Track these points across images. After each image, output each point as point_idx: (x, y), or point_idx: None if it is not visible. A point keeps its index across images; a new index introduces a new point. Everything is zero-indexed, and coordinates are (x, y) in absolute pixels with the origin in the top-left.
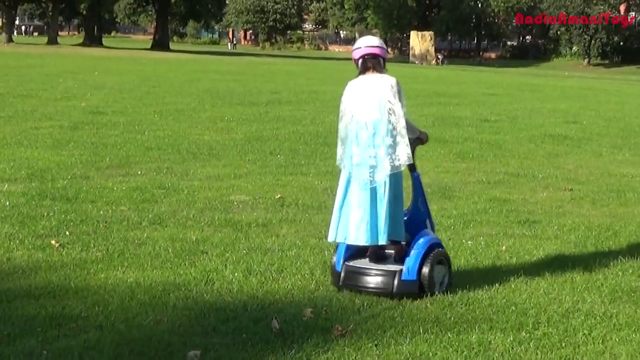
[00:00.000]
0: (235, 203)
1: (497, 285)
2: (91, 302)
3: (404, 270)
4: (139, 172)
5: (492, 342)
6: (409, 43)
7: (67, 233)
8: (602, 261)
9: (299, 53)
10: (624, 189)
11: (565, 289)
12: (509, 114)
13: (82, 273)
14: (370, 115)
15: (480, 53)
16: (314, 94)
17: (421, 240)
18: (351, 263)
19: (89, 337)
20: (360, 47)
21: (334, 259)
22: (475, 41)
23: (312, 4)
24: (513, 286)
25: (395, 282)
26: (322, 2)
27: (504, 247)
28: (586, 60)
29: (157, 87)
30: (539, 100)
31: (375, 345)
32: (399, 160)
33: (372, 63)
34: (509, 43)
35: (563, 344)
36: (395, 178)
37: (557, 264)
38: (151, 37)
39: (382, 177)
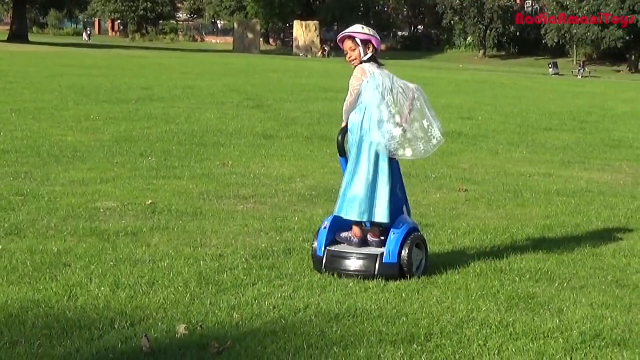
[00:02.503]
0: (102, 210)
1: (387, 295)
2: None
3: (385, 253)
4: None
5: (382, 356)
6: (292, 34)
7: None
8: (498, 266)
9: (172, 45)
10: (521, 189)
11: (459, 297)
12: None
13: None
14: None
15: None
16: (189, 90)
17: (401, 225)
18: (333, 248)
19: None
20: (375, 35)
21: (315, 244)
22: None
23: None
24: (404, 295)
25: (377, 265)
26: None
27: None
28: (482, 52)
29: (15, 82)
30: (432, 94)
31: None
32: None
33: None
34: (400, 34)
35: (457, 356)
36: (393, 161)
37: (451, 271)
38: (8, 27)
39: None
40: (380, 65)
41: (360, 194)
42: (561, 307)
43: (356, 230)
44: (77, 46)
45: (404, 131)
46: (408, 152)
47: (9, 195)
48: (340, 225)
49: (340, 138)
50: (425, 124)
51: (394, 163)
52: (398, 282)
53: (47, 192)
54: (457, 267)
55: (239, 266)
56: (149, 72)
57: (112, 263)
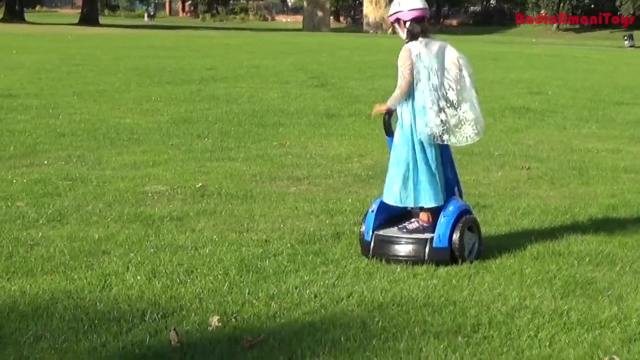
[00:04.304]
0: (150, 194)
1: (435, 281)
2: None
3: (435, 237)
4: (45, 162)
5: (423, 349)
6: (362, 11)
7: None
8: (556, 249)
9: (242, 25)
10: (587, 166)
11: (512, 283)
12: None
13: None
14: (452, 75)
15: (441, 20)
16: (253, 69)
17: (451, 207)
18: (381, 232)
19: None
20: (418, 8)
21: (363, 228)
22: (436, 7)
23: None
24: (454, 282)
25: (427, 249)
26: None
27: None
28: (555, 25)
29: (81, 65)
30: (501, 69)
31: (288, 358)
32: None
33: (426, 26)
34: (471, 8)
35: (504, 349)
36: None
37: (506, 254)
38: (79, 11)
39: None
40: (426, 37)
41: (401, 179)
42: (621, 293)
43: (422, 215)
44: (147, 28)
45: (447, 116)
46: (453, 139)
47: (58, 180)
48: (388, 208)
49: (387, 117)
50: (476, 104)
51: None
52: (449, 267)
53: (96, 176)
54: (513, 250)
55: (284, 252)
56: (216, 52)
57: (152, 250)
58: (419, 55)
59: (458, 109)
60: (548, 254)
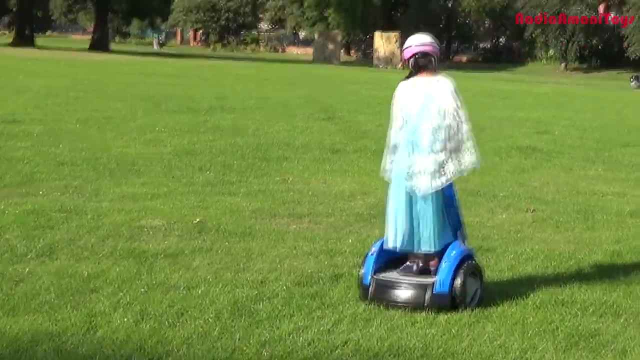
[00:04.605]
0: (146, 229)
1: (434, 330)
2: None
3: (436, 282)
4: (41, 192)
5: None
6: (372, 45)
7: None
8: (560, 298)
9: (253, 55)
10: (592, 210)
11: (514, 333)
12: (476, 124)
13: None
14: (431, 120)
15: (451, 56)
16: (262, 100)
17: (453, 252)
18: (380, 276)
19: None
20: (410, 46)
21: (362, 271)
22: (446, 44)
23: (268, 2)
24: (454, 331)
25: (427, 295)
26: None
27: None
28: (563, 65)
29: (88, 91)
30: (509, 108)
31: None
32: (463, 165)
33: (423, 62)
34: (481, 45)
35: None
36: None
37: (508, 302)
38: (90, 37)
39: (442, 183)
40: (426, 75)
41: (398, 221)
42: (625, 347)
43: (413, 257)
44: (158, 55)
45: (414, 162)
46: (416, 185)
47: (52, 212)
48: (388, 250)
49: None
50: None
51: (447, 187)
52: (449, 314)
53: (92, 209)
54: (516, 297)
55: (279, 294)
56: (225, 81)
57: (143, 289)
58: (402, 94)
59: (429, 156)
60: (551, 302)
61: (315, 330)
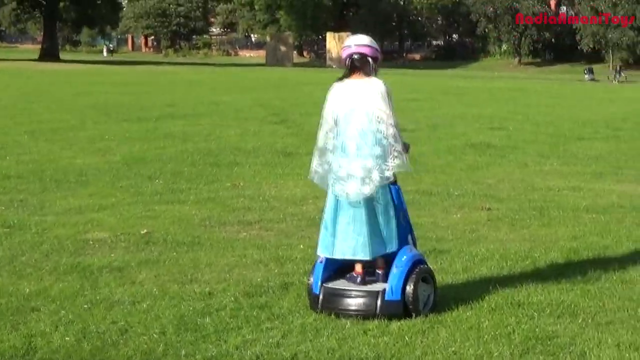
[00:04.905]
0: (91, 242)
1: (386, 338)
2: None
3: (387, 289)
4: None
5: None
6: (325, 46)
7: None
8: (515, 299)
9: (206, 60)
10: (548, 206)
11: (469, 338)
12: (429, 122)
13: None
14: (359, 123)
15: (404, 54)
16: (214, 106)
17: (404, 257)
18: (330, 284)
19: None
20: (349, 46)
21: (311, 280)
22: (399, 42)
23: (219, 6)
24: (406, 338)
25: (379, 302)
26: (230, 3)
27: None
28: (517, 59)
29: (37, 102)
30: (463, 104)
31: None
32: (388, 170)
33: (359, 63)
34: (434, 42)
35: None
36: (384, 189)
37: (463, 306)
38: (40, 46)
39: (372, 190)
40: (359, 76)
41: (328, 228)
42: (583, 349)
43: (357, 267)
44: (109, 63)
45: (339, 165)
46: (338, 189)
47: None
48: (336, 259)
49: None
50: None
51: (387, 192)
52: (402, 322)
53: (35, 223)
54: (470, 301)
55: (227, 306)
56: (177, 88)
57: (86, 306)
58: (333, 95)
59: (356, 160)
60: (507, 304)
61: (264, 342)
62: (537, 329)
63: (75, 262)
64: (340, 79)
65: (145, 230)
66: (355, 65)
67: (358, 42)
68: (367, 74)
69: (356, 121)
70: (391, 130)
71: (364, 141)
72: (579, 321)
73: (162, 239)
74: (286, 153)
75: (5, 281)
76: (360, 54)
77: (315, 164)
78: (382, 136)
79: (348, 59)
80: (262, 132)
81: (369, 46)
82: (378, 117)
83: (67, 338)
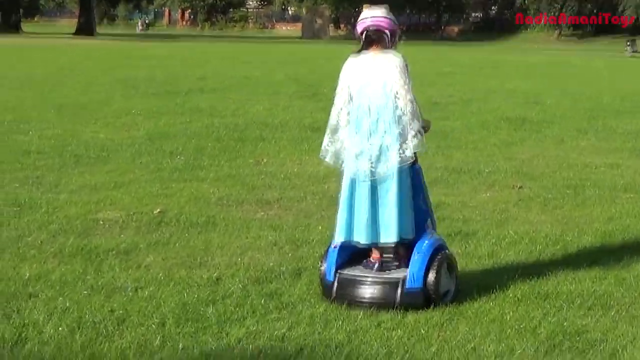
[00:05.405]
0: (101, 222)
1: (400, 332)
2: None
3: (408, 277)
4: None
5: None
6: None
7: None
8: (543, 289)
9: (242, 33)
10: (584, 184)
11: (490, 333)
12: (463, 96)
13: None
14: (374, 98)
15: (442, 28)
16: (245, 80)
17: (425, 243)
18: (345, 271)
19: None
20: (364, 19)
21: (324, 267)
22: (436, 15)
23: None
24: (422, 332)
25: (399, 291)
26: None
27: None
28: (557, 32)
29: (68, 77)
30: (499, 78)
31: None
32: (408, 150)
33: (375, 37)
34: (473, 15)
35: None
36: (403, 169)
37: (486, 296)
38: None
39: (389, 169)
40: (375, 51)
41: (344, 211)
42: (615, 347)
43: (374, 253)
44: (143, 37)
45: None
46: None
47: (4, 206)
48: (351, 244)
49: None
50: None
51: (410, 172)
52: (419, 313)
53: (47, 201)
54: (494, 290)
55: (234, 294)
56: (210, 62)
57: (85, 292)
58: (348, 69)
59: (372, 138)
60: (533, 294)
61: (268, 335)
62: (565, 323)
63: (82, 244)
64: (357, 52)
65: (158, 210)
66: (372, 39)
67: (374, 15)
68: (384, 48)
69: (371, 96)
70: (410, 107)
71: (380, 117)
72: (612, 314)
73: (175, 219)
74: (314, 128)
75: (6, 264)
76: (377, 26)
77: (326, 142)
78: (400, 113)
79: (364, 33)
80: (291, 107)
81: (385, 18)
82: (396, 93)
83: (60, 328)
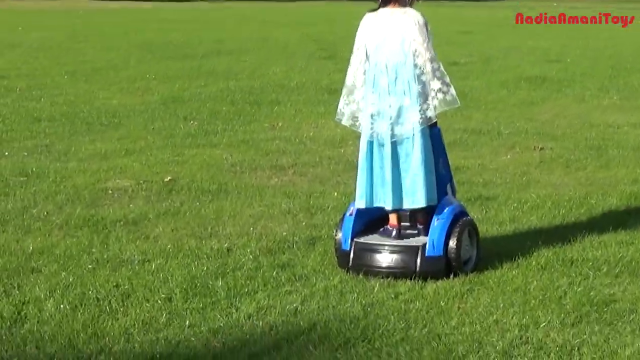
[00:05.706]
0: (110, 191)
1: (419, 304)
2: None
3: (428, 244)
4: (7, 153)
5: None
6: None
7: None
8: (568, 255)
9: None
10: (607, 144)
11: (513, 304)
12: (483, 55)
13: None
14: (392, 56)
15: None
16: (262, 42)
17: (446, 209)
18: (362, 239)
19: None
20: None
21: (339, 235)
22: None
23: None
24: (442, 304)
25: (419, 259)
26: None
27: None
28: None
29: (83, 42)
30: (519, 36)
31: None
32: (429, 110)
33: None
34: None
35: None
36: (423, 131)
37: (509, 263)
38: None
39: (408, 131)
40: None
41: (363, 175)
42: None
43: (392, 218)
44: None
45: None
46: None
47: (11, 176)
48: (369, 210)
49: None
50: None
51: (430, 135)
52: (438, 283)
53: (55, 170)
54: (517, 257)
55: (244, 265)
56: (227, 24)
57: (90, 266)
58: (365, 26)
59: (389, 97)
60: (558, 261)
61: (280, 310)
62: (591, 292)
63: (89, 215)
64: (374, 9)
65: (169, 178)
66: None
67: None
68: (403, 5)
69: (389, 53)
70: (429, 66)
71: (399, 76)
72: None
73: (187, 187)
74: (331, 90)
75: (10, 237)
76: None
77: (342, 103)
78: (420, 72)
79: None
80: (308, 68)
81: None
82: (415, 51)
83: (61, 306)
